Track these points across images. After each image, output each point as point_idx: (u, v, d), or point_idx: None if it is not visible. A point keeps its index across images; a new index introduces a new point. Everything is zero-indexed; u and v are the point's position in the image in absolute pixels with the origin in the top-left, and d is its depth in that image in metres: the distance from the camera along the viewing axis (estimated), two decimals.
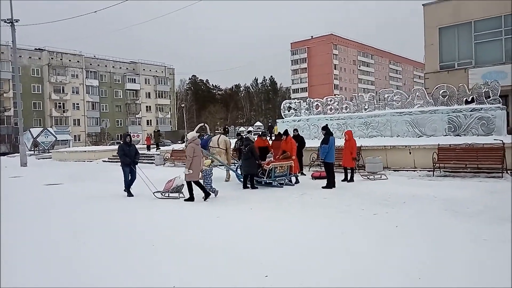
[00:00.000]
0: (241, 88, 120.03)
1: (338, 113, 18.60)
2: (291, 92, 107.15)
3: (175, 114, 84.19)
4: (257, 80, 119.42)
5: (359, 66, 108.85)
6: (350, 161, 12.31)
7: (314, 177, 13.42)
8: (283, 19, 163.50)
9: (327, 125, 12.59)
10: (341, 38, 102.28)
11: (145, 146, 30.75)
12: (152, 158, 23.54)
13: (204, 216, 7.86)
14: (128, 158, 11.08)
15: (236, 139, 15.34)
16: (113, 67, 73.58)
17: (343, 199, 9.20)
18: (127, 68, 75.71)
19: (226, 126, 19.67)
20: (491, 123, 14.03)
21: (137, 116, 75.82)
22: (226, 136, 14.14)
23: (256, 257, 5.08)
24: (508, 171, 11.87)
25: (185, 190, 10.07)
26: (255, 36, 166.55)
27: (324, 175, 13.43)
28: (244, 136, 12.63)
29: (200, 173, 9.87)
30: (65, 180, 16.01)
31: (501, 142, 12.30)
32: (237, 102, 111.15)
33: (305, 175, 13.88)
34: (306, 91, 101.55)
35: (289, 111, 20.45)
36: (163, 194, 10.48)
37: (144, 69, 76.86)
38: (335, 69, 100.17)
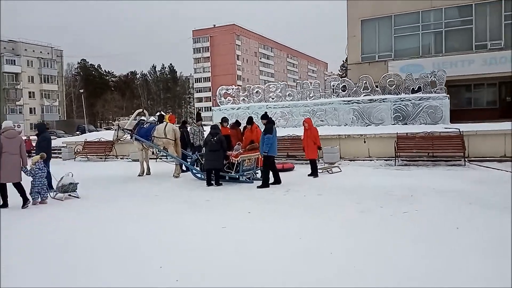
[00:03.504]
0: (138, 76, 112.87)
1: (281, 100, 17.52)
2: (194, 82, 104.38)
3: (64, 102, 75.23)
4: (155, 67, 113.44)
5: (260, 58, 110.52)
6: (314, 151, 11.01)
7: None
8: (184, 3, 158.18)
9: (266, 112, 10.84)
10: (243, 29, 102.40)
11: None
12: (59, 151, 19.71)
13: (202, 226, 5.93)
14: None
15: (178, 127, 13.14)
16: None
17: (334, 195, 8.06)
18: (4, 48, 64.75)
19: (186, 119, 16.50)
20: (439, 111, 14.29)
21: (17, 103, 65.51)
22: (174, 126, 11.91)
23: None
24: (467, 160, 12.04)
25: (79, 190, 8.72)
26: (153, 19, 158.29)
27: (286, 167, 12.28)
28: (212, 124, 10.64)
29: (25, 173, 7.91)
30: None
31: (458, 130, 12.46)
32: (133, 90, 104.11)
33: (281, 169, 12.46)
34: (209, 81, 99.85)
35: (225, 98, 18.72)
36: (54, 193, 8.63)
37: (26, 49, 66.56)
38: (237, 59, 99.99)
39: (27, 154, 8.49)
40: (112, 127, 62.95)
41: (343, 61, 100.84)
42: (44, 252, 5.06)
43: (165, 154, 12.41)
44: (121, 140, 13.31)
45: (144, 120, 12.69)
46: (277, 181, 9.59)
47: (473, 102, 24.42)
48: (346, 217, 6.20)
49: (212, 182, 9.85)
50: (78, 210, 7.60)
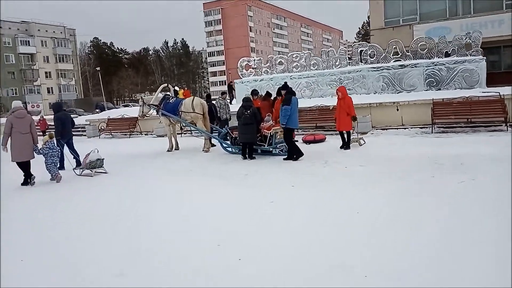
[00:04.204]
0: (150, 52, 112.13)
1: (306, 70, 16.93)
2: (207, 56, 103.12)
3: (80, 80, 75.39)
4: (167, 43, 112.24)
5: (273, 29, 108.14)
6: (348, 123, 10.12)
7: (306, 141, 11.72)
8: None
9: (286, 82, 9.99)
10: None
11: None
12: (83, 129, 19.70)
13: (255, 202, 5.67)
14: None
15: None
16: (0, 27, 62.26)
17: (378, 166, 7.67)
18: (18, 29, 64.51)
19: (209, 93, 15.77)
20: (475, 75, 13.58)
21: (35, 83, 65.84)
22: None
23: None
24: (509, 125, 11.43)
25: (106, 165, 8.93)
26: None
27: (318, 138, 11.90)
28: (245, 96, 10.25)
29: (35, 152, 8.07)
30: None
31: (498, 94, 11.80)
32: (147, 66, 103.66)
33: (297, 141, 12.11)
34: (222, 54, 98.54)
35: (247, 70, 18.21)
36: (81, 170, 8.86)
37: (39, 30, 66.20)
38: (250, 31, 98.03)
39: (42, 134, 8.65)
40: (130, 104, 63.21)
41: (359, 28, 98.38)
42: (93, 230, 4.89)
43: (193, 129, 12.14)
44: (147, 116, 13.07)
45: (169, 95, 12.36)
46: (295, 154, 8.98)
47: (503, 65, 23.31)
48: (402, 189, 5.85)
49: (246, 155, 9.58)
50: (119, 186, 7.45)
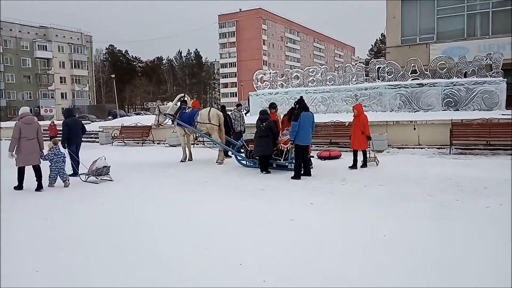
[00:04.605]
0: (164, 61, 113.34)
1: (322, 85, 16.85)
2: (220, 67, 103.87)
3: (93, 87, 76.28)
4: (181, 53, 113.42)
5: (286, 43, 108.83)
6: (362, 141, 9.88)
7: (321, 157, 11.58)
8: None
9: (301, 97, 9.66)
10: (269, 13, 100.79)
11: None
12: (96, 135, 19.78)
13: (275, 219, 5.51)
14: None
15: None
16: (19, 31, 63.31)
17: (397, 186, 7.49)
18: (36, 34, 65.67)
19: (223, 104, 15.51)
20: (495, 97, 13.37)
21: (49, 88, 66.71)
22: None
23: None
24: None
25: (112, 173, 8.98)
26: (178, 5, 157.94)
27: (333, 155, 11.74)
28: (262, 109, 10.18)
29: (41, 158, 8.16)
30: None
31: None
32: (160, 75, 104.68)
33: (312, 156, 11.96)
34: (235, 66, 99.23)
35: (262, 82, 18.20)
36: (86, 177, 8.87)
37: (57, 35, 67.38)
38: (264, 44, 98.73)
39: (50, 139, 8.76)
40: (141, 112, 63.53)
41: (371, 45, 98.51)
42: (95, 237, 4.79)
43: (208, 140, 12.07)
44: (162, 125, 13.06)
45: (185, 105, 12.35)
46: (306, 172, 8.77)
47: None
48: (425, 212, 5.66)
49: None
50: (129, 195, 7.37)
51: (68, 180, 8.39)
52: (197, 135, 12.72)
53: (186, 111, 11.86)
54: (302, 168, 8.68)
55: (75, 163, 9.49)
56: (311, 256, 4.14)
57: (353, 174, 8.91)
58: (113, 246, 4.62)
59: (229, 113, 13.10)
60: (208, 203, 6.62)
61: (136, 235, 5.02)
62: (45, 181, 8.24)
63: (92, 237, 4.97)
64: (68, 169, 9.11)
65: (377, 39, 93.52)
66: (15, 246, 4.73)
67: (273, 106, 10.49)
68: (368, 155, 10.14)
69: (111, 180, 8.89)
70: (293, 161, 9.67)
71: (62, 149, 8.76)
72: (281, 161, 9.69)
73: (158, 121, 12.54)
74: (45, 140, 8.65)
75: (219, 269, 3.87)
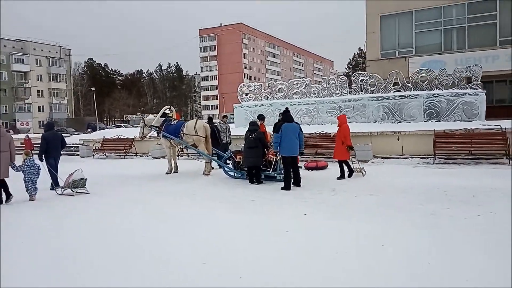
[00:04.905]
0: (144, 74, 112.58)
1: (306, 97, 16.98)
2: (201, 80, 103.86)
3: (72, 100, 74.90)
4: (161, 66, 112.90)
5: (267, 57, 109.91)
6: (342, 152, 9.81)
7: (308, 168, 11.59)
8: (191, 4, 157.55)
9: (287, 108, 9.71)
10: (250, 27, 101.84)
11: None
12: (76, 148, 19.30)
13: (270, 230, 5.41)
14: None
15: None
16: None
17: (388, 196, 7.54)
18: (13, 47, 64.35)
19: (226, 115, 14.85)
20: (475, 108, 13.73)
21: (26, 101, 65.15)
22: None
23: None
24: (510, 158, 11.47)
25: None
26: (158, 19, 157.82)
27: (320, 165, 11.78)
28: (251, 120, 10.13)
29: (13, 169, 8.13)
30: None
31: (499, 127, 11.90)
32: (140, 88, 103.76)
33: (300, 167, 11.94)
34: (216, 79, 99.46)
35: (246, 95, 18.21)
36: (62, 190, 8.81)
37: (35, 49, 66.20)
38: (244, 58, 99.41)
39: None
40: (121, 125, 62.58)
41: (349, 59, 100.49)
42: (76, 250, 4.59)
43: (194, 152, 11.94)
44: (146, 138, 12.85)
45: (171, 117, 12.20)
46: (296, 183, 8.70)
47: (494, 99, 23.74)
48: (418, 221, 5.68)
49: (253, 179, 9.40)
50: (111, 211, 7.15)
51: (35, 195, 8.29)
52: (182, 147, 12.57)
53: (172, 123, 11.72)
54: (291, 179, 8.63)
55: (53, 176, 9.31)
56: (312, 266, 4.06)
57: (342, 185, 8.92)
58: (106, 263, 4.44)
59: (216, 124, 13.02)
60: (200, 215, 6.48)
61: (128, 249, 4.84)
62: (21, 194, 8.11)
63: (79, 258, 4.76)
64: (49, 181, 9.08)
65: (355, 53, 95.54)
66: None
67: (261, 117, 10.51)
68: (353, 166, 10.16)
69: (87, 193, 8.77)
70: (281, 172, 9.68)
71: (37, 161, 8.63)
72: (270, 172, 9.64)
73: (143, 133, 12.33)
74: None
75: (219, 283, 3.74)
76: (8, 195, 7.99)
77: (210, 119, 12.90)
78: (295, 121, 9.11)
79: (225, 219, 6.20)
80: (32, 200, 8.18)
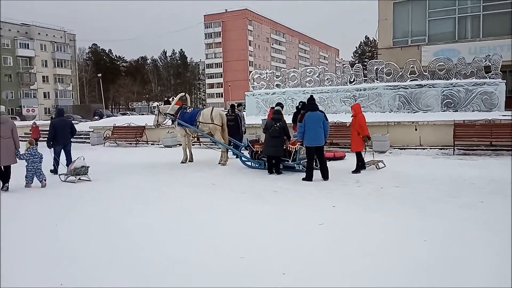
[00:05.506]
0: (148, 61, 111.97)
1: (320, 85, 16.72)
2: (205, 67, 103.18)
3: (77, 86, 74.65)
4: (165, 53, 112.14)
5: (272, 44, 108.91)
6: (358, 143, 9.28)
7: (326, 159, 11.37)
8: None
9: (311, 96, 9.17)
10: (255, 14, 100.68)
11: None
12: (86, 136, 19.19)
13: (303, 223, 5.25)
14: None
15: (226, 112, 12.46)
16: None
17: (415, 188, 7.36)
18: (18, 31, 63.80)
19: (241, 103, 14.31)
20: (494, 98, 13.46)
21: (31, 87, 64.94)
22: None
23: None
24: None
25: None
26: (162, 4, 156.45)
27: (338, 156, 11.59)
28: (275, 108, 9.89)
29: (17, 157, 8.08)
30: None
31: None
32: (144, 75, 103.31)
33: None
34: (221, 67, 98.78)
35: (258, 82, 17.96)
36: (65, 177, 8.86)
37: (39, 33, 65.58)
38: (249, 45, 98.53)
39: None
40: (127, 112, 62.43)
41: (356, 47, 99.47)
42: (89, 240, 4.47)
43: (211, 140, 11.75)
44: (161, 126, 12.69)
45: (186, 105, 12.00)
46: (323, 175, 8.37)
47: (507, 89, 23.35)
48: (455, 214, 5.51)
49: (273, 170, 9.24)
50: (138, 198, 7.03)
51: (45, 180, 8.30)
52: (194, 136, 12.39)
53: (187, 110, 11.53)
54: (313, 170, 8.46)
55: (57, 164, 9.52)
56: (354, 262, 3.91)
57: (364, 176, 8.75)
58: (120, 255, 4.31)
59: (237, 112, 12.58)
60: (224, 207, 6.32)
61: (152, 243, 4.71)
62: (20, 180, 8.14)
63: (90, 249, 4.64)
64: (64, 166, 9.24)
65: (361, 42, 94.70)
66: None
67: (280, 105, 10.24)
68: (370, 159, 9.95)
69: (89, 180, 8.77)
70: (300, 162, 9.52)
71: (39, 150, 8.58)
72: (289, 162, 9.48)
73: (157, 121, 12.15)
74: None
75: (260, 279, 3.60)
76: (5, 183, 7.93)
77: (232, 107, 12.60)
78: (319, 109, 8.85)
79: (251, 211, 6.03)
80: (43, 187, 8.18)
